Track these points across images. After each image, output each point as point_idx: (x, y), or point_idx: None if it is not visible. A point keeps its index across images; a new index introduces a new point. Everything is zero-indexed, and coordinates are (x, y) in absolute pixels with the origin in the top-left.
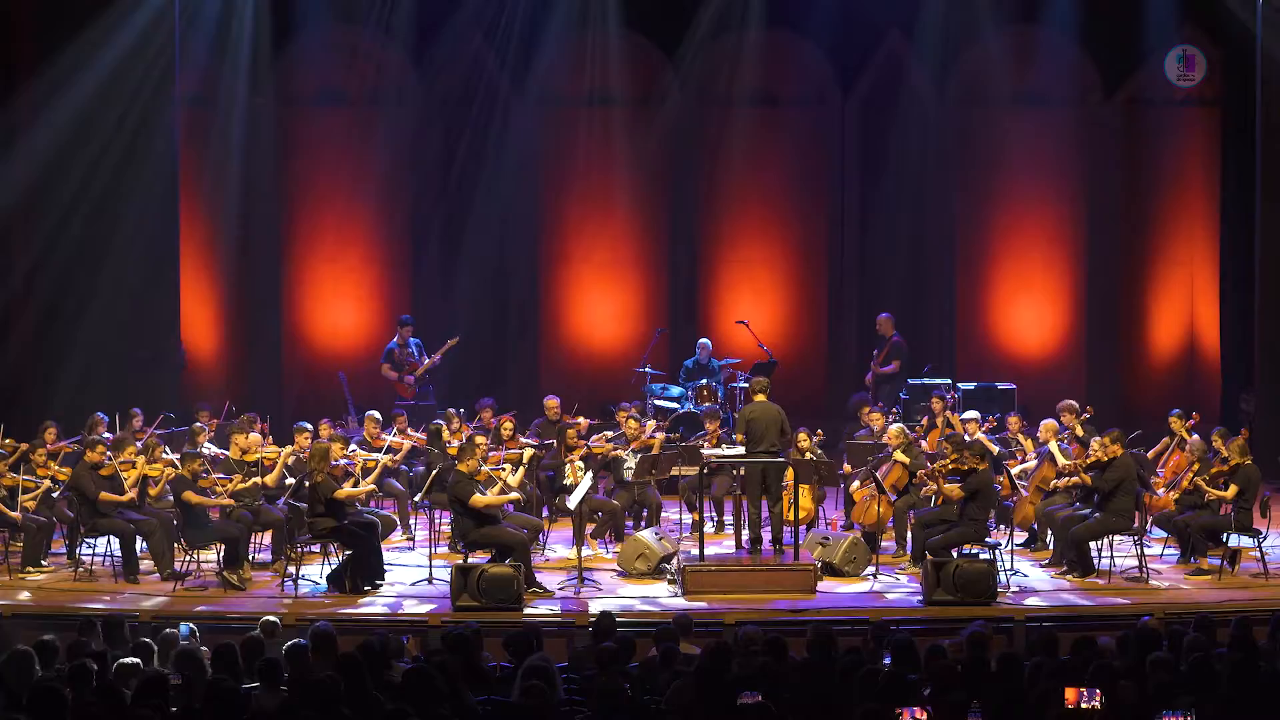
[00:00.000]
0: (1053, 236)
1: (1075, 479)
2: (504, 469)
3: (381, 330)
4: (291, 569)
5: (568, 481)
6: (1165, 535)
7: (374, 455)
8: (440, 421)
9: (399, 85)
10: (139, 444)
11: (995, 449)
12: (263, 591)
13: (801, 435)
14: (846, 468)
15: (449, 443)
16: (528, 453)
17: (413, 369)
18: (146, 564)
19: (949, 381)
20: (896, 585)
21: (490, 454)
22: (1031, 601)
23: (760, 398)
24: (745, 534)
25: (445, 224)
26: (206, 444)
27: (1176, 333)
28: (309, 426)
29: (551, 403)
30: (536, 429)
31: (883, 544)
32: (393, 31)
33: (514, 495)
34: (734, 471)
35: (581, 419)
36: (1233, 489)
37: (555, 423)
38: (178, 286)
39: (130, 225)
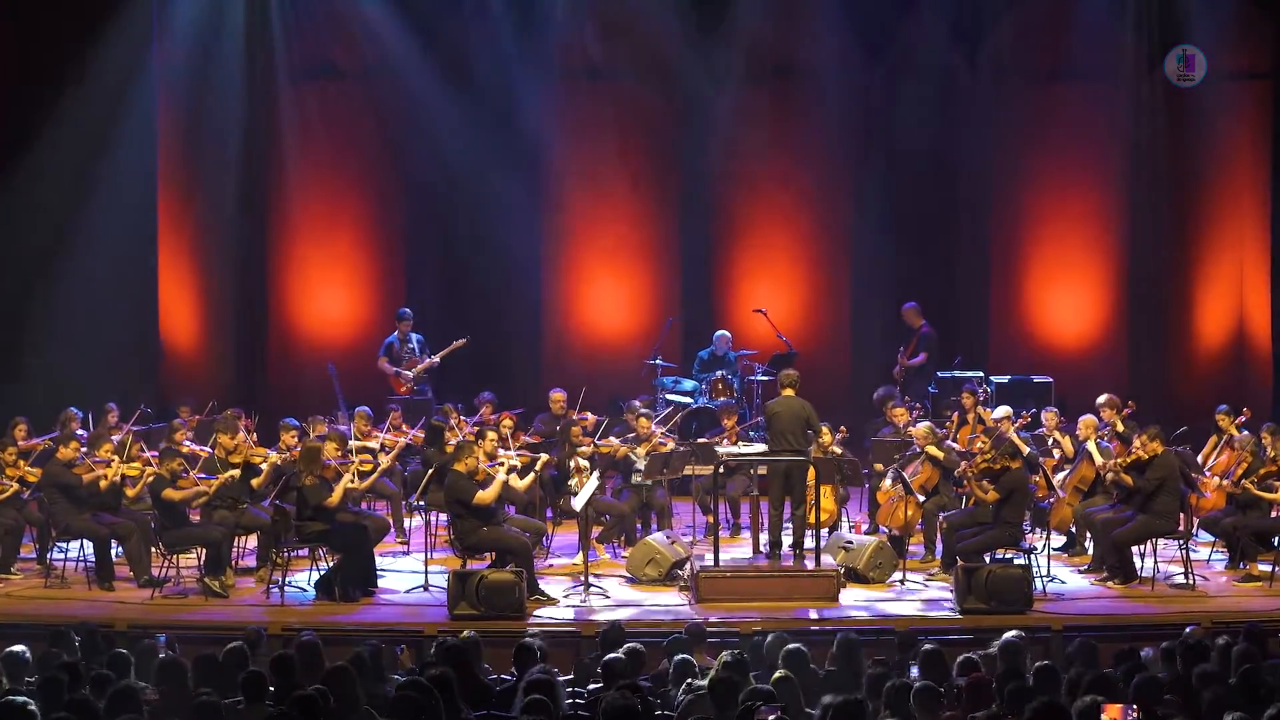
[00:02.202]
0: (1092, 219)
1: (1114, 476)
2: (502, 466)
3: (374, 319)
4: (277, 575)
5: (572, 482)
6: (1213, 539)
7: (369, 449)
8: (441, 418)
9: (393, 57)
10: (115, 441)
11: (1026, 448)
12: (246, 599)
13: (823, 431)
14: (878, 466)
15: (449, 441)
16: (542, 460)
17: (411, 364)
18: (122, 570)
19: (981, 374)
20: (925, 592)
21: (501, 453)
22: (1069, 610)
23: (789, 392)
24: (763, 537)
25: (442, 206)
26: (187, 441)
27: (1225, 322)
28: (296, 424)
29: (557, 396)
30: (540, 424)
31: (910, 548)
32: None
33: (517, 484)
34: (751, 471)
35: (589, 414)
36: None
37: (560, 418)
38: (156, 273)
39: (105, 207)
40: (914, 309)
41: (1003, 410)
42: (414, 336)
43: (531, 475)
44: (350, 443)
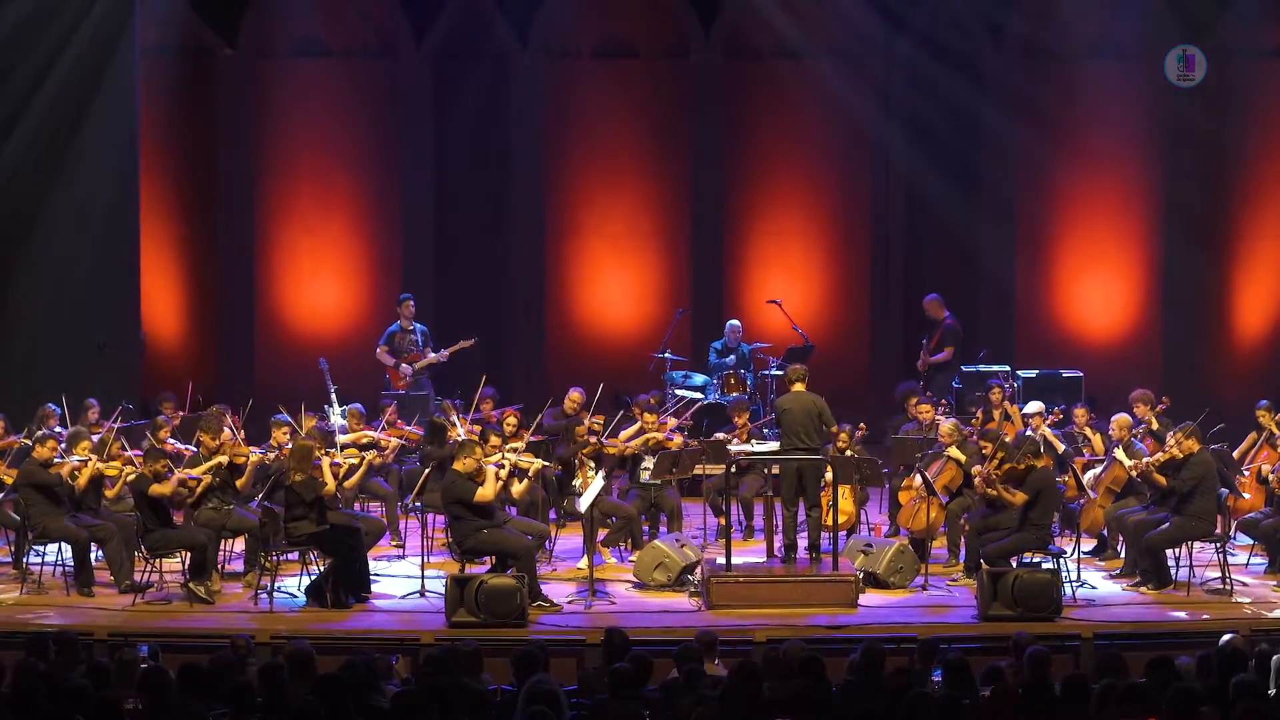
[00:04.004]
0: (1125, 205)
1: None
2: (503, 469)
3: (368, 310)
4: (266, 580)
5: (577, 482)
6: (1251, 542)
7: (358, 442)
8: (441, 415)
9: (387, 35)
10: (95, 439)
11: (1061, 445)
12: (233, 605)
13: (842, 433)
14: (903, 467)
15: (450, 439)
16: (536, 465)
17: (413, 358)
18: (102, 574)
19: (1008, 369)
20: (948, 598)
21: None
22: (1100, 617)
23: (798, 387)
24: (778, 540)
25: (439, 191)
26: (170, 439)
27: (1265, 312)
28: (288, 419)
29: (575, 397)
30: (550, 419)
31: (933, 552)
32: None
33: (511, 480)
34: (765, 471)
35: (601, 420)
36: None
37: (571, 417)
38: (137, 261)
39: (84, 192)
40: (936, 300)
41: (1034, 406)
42: (417, 326)
43: (527, 480)
44: (340, 439)
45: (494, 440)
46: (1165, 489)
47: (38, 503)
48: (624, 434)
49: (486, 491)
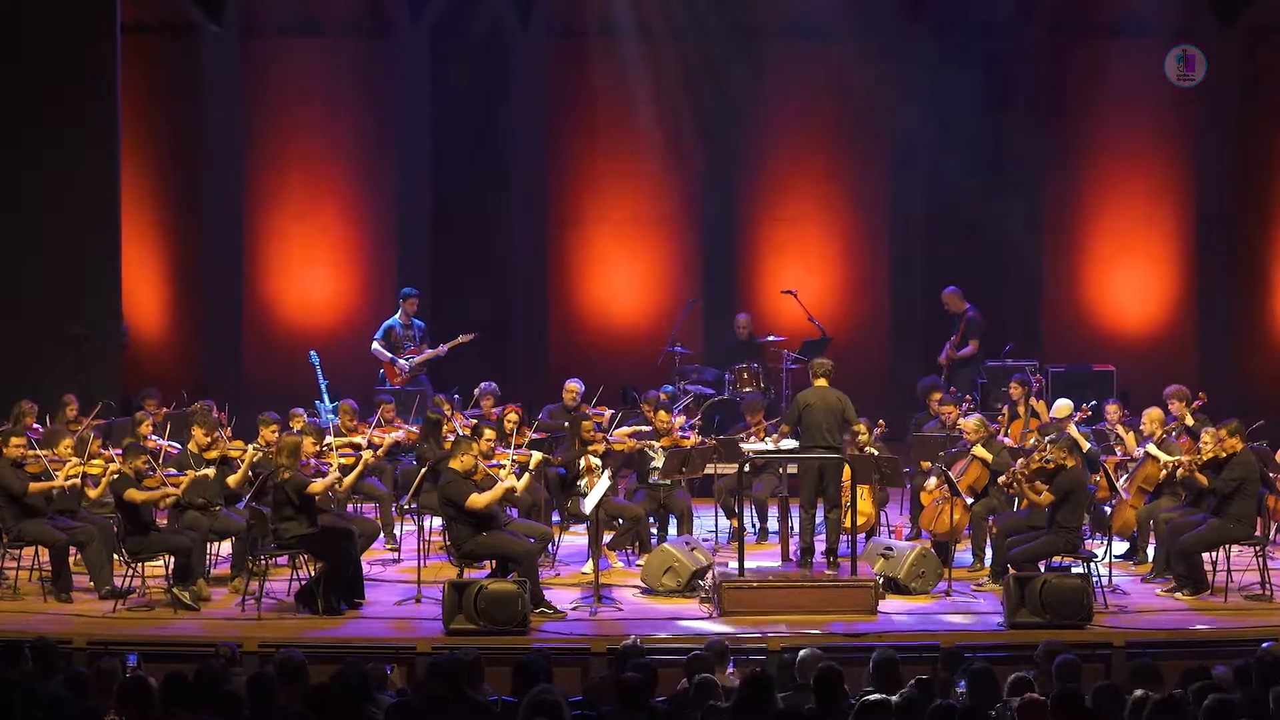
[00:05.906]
0: (1157, 191)
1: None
2: (503, 468)
3: (362, 301)
4: (254, 585)
5: (582, 482)
6: None
7: (353, 442)
8: (438, 411)
9: (382, 12)
10: (74, 437)
11: (1087, 444)
12: (220, 612)
13: (860, 427)
14: (924, 464)
15: (446, 436)
16: (535, 458)
17: (411, 353)
18: (82, 579)
19: (1034, 363)
20: (973, 604)
21: (496, 451)
22: (1133, 624)
23: (821, 382)
24: (793, 544)
25: (436, 177)
26: (152, 436)
27: None
28: (276, 417)
29: (572, 387)
30: (549, 415)
31: (956, 555)
32: None
33: (513, 483)
34: (780, 470)
35: (604, 409)
36: None
37: (572, 410)
38: (118, 250)
39: (62, 177)
40: (955, 293)
41: (1062, 403)
42: (415, 322)
43: (527, 476)
44: (329, 439)
45: (488, 434)
46: (1204, 489)
47: (11, 504)
48: (621, 430)
49: (480, 500)
